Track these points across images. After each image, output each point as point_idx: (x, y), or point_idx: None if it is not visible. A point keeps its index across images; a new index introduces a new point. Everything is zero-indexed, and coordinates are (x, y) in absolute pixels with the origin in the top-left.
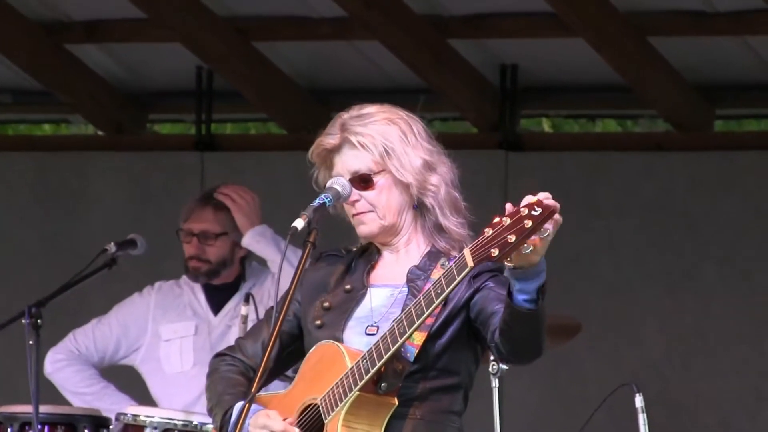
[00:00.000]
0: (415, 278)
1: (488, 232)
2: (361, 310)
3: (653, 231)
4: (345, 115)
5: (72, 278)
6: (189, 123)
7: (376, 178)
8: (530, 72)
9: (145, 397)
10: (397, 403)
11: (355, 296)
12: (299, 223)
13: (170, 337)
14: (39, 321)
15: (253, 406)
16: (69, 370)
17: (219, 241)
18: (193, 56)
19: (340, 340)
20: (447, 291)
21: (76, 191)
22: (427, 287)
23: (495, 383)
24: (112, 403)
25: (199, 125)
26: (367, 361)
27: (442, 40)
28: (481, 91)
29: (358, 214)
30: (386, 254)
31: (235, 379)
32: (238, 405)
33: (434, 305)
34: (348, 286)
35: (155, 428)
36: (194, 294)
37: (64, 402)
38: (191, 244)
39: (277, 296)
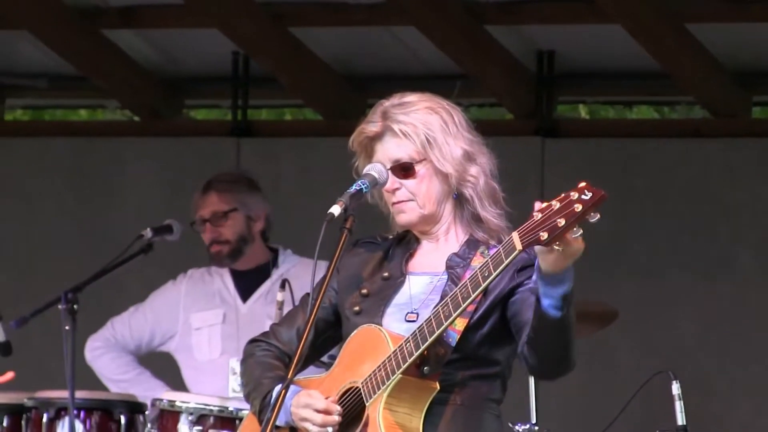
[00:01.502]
0: (454, 266)
1: (537, 216)
2: (400, 297)
3: (689, 218)
4: (386, 103)
5: (108, 264)
6: (225, 109)
7: (417, 167)
8: (567, 58)
9: (181, 383)
10: (438, 387)
11: (394, 283)
12: (336, 210)
13: (200, 325)
14: (75, 306)
15: (293, 388)
16: (106, 357)
17: (230, 218)
18: (230, 42)
19: (379, 325)
20: (495, 274)
21: (112, 177)
22: (467, 274)
23: None
24: (147, 390)
25: (235, 111)
26: (410, 345)
27: (479, 25)
28: (517, 77)
29: (398, 202)
30: (425, 243)
31: (272, 363)
32: (277, 389)
33: (480, 288)
34: (386, 274)
35: (191, 414)
36: (223, 281)
37: (101, 387)
38: (206, 230)
39: (313, 284)
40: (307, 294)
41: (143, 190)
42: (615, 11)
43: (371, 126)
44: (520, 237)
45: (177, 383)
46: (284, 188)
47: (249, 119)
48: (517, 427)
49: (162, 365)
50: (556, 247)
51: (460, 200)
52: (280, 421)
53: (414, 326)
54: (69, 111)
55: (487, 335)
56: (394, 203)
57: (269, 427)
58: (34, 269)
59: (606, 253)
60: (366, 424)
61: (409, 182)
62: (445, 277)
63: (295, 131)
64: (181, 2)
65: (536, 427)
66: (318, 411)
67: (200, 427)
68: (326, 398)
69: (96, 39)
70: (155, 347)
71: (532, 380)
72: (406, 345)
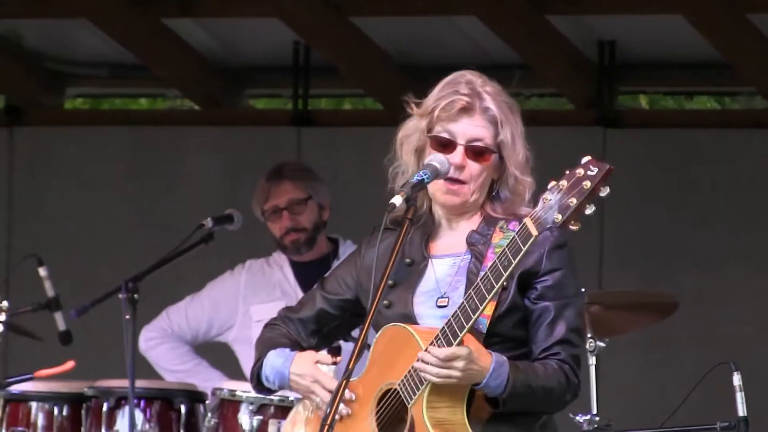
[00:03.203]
0: (476, 242)
1: (548, 198)
2: (426, 283)
3: (750, 208)
4: (475, 83)
5: (169, 253)
6: (285, 98)
7: (490, 156)
8: (628, 48)
9: (238, 373)
10: None
11: (417, 269)
12: (397, 200)
13: (261, 317)
14: (136, 296)
15: (289, 353)
16: (162, 347)
17: (308, 206)
18: (290, 31)
19: (412, 316)
20: (514, 263)
21: (172, 166)
22: (489, 253)
23: (592, 361)
24: (206, 380)
25: (296, 100)
26: (441, 341)
27: (540, 15)
28: (578, 67)
29: (455, 180)
30: (444, 223)
31: (277, 340)
32: (270, 353)
33: (503, 279)
34: (408, 260)
35: (251, 403)
36: (283, 272)
37: (161, 377)
38: (282, 219)
39: (374, 274)
40: (323, 279)
41: (203, 179)
42: (676, 1)
43: (466, 98)
44: (533, 222)
45: (234, 373)
46: (344, 178)
47: (309, 109)
48: (577, 418)
49: (219, 356)
50: (572, 227)
51: (494, 195)
52: (274, 385)
53: (445, 312)
54: (129, 100)
55: (520, 315)
56: (448, 179)
57: (327, 425)
58: (94, 258)
59: (666, 244)
60: (413, 426)
61: (476, 166)
62: (468, 256)
63: (356, 121)
64: None
65: (597, 418)
66: (326, 390)
67: (261, 417)
68: (367, 402)
69: (156, 28)
70: (212, 337)
71: (592, 371)
72: (437, 342)
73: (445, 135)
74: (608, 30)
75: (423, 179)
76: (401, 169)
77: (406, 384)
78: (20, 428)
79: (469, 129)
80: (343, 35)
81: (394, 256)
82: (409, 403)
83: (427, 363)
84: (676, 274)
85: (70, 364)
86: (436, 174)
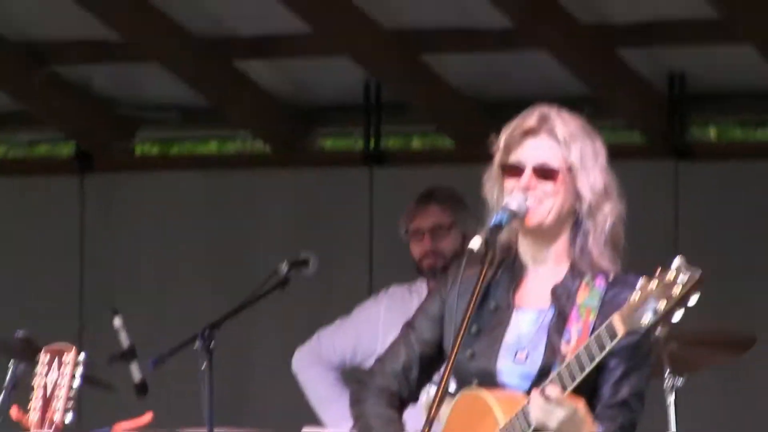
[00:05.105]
0: (560, 296)
1: (636, 296)
2: (510, 337)
3: None
4: (545, 109)
5: (244, 299)
6: (357, 137)
7: (557, 175)
8: (699, 80)
9: None
10: None
11: (502, 318)
12: (475, 243)
13: None
14: (211, 344)
15: None
16: (312, 371)
17: (451, 233)
18: (361, 70)
19: (493, 372)
20: (598, 358)
21: (244, 208)
22: (573, 312)
23: (670, 399)
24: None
25: (368, 139)
26: (522, 421)
27: (610, 48)
28: (649, 99)
29: None
30: (531, 270)
31: (387, 414)
32: None
33: (586, 371)
34: (493, 304)
35: None
36: (421, 301)
37: (239, 425)
38: (423, 241)
39: (457, 317)
40: (407, 324)
41: (276, 221)
42: (746, 32)
43: (531, 121)
44: (621, 320)
45: None
46: None
47: (381, 148)
48: None
49: None
50: (659, 328)
51: (577, 231)
52: None
53: (522, 369)
54: (198, 143)
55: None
56: None
57: None
58: (169, 305)
59: (743, 277)
60: None
61: (546, 185)
62: (551, 312)
63: (428, 159)
64: (312, 32)
65: None
66: None
67: None
68: None
69: (227, 70)
70: (358, 363)
71: (671, 408)
72: (517, 421)
73: (511, 161)
74: (678, 62)
75: (501, 221)
76: (488, 210)
77: None
78: None
79: (534, 151)
80: (414, 72)
81: (472, 305)
82: None
83: (533, 401)
84: (753, 309)
85: (148, 417)
86: (514, 215)
